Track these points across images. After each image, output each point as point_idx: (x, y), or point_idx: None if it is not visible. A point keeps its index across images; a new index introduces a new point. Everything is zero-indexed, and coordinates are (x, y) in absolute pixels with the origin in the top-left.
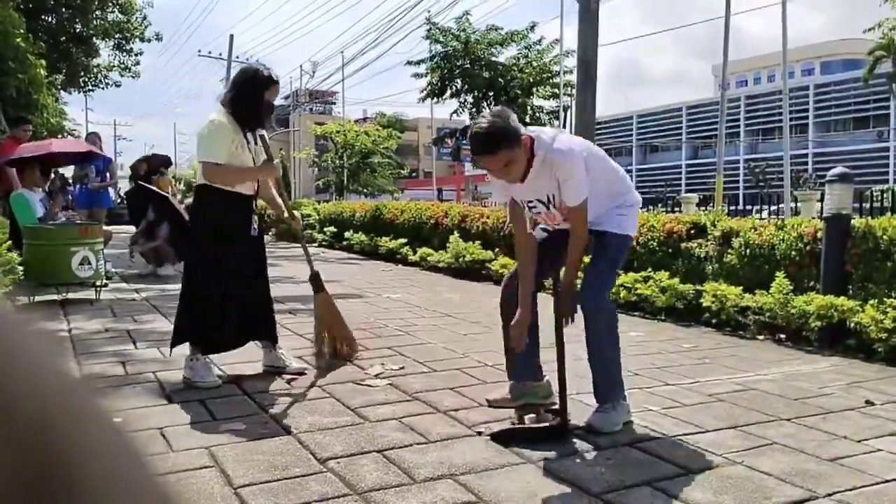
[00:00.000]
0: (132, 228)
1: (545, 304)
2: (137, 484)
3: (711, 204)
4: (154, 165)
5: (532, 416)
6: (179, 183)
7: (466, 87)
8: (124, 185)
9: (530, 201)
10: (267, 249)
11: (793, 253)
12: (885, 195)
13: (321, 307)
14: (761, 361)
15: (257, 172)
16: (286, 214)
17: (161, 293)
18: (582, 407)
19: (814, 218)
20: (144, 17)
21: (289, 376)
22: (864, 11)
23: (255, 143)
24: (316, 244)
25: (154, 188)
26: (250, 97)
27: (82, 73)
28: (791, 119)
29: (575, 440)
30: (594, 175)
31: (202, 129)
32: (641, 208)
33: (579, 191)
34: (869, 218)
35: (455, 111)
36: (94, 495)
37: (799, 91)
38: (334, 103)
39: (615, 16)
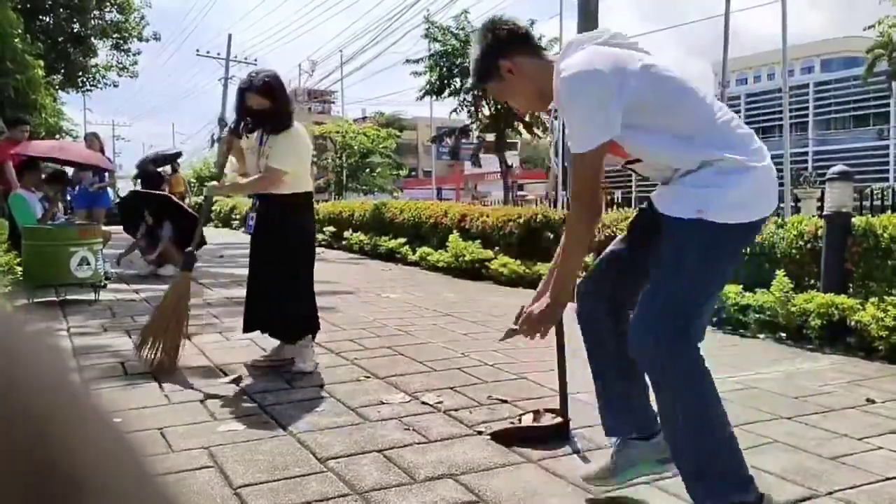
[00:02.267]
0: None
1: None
2: (138, 485)
3: None
4: (161, 163)
5: (531, 415)
6: None
7: (465, 85)
8: (123, 186)
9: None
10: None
11: (793, 251)
12: (885, 193)
13: (173, 292)
14: (762, 360)
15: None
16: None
17: (160, 293)
18: (582, 406)
19: (814, 216)
20: (142, 17)
21: (288, 376)
22: (864, 9)
23: (263, 146)
24: (315, 244)
25: (152, 191)
26: (236, 104)
27: (80, 74)
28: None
29: (575, 439)
30: (647, 110)
31: None
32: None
33: (579, 131)
34: (869, 216)
35: (454, 110)
36: (95, 497)
37: (799, 89)
38: (333, 102)
39: (614, 13)
